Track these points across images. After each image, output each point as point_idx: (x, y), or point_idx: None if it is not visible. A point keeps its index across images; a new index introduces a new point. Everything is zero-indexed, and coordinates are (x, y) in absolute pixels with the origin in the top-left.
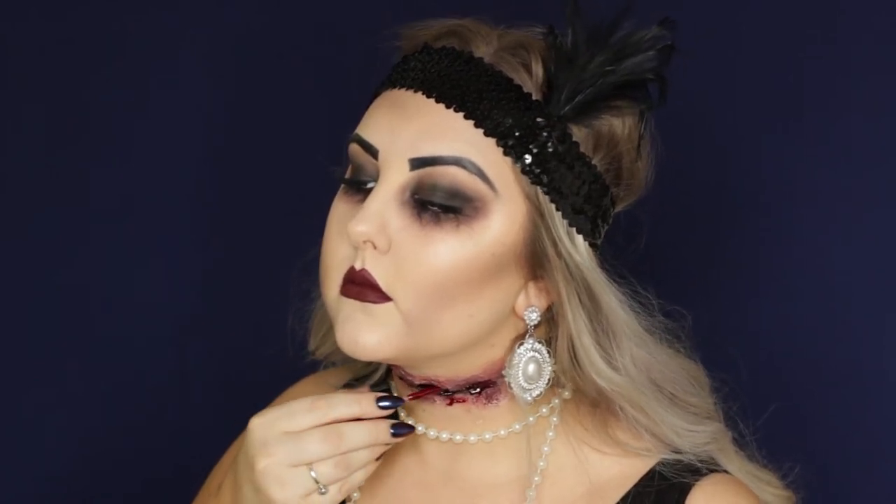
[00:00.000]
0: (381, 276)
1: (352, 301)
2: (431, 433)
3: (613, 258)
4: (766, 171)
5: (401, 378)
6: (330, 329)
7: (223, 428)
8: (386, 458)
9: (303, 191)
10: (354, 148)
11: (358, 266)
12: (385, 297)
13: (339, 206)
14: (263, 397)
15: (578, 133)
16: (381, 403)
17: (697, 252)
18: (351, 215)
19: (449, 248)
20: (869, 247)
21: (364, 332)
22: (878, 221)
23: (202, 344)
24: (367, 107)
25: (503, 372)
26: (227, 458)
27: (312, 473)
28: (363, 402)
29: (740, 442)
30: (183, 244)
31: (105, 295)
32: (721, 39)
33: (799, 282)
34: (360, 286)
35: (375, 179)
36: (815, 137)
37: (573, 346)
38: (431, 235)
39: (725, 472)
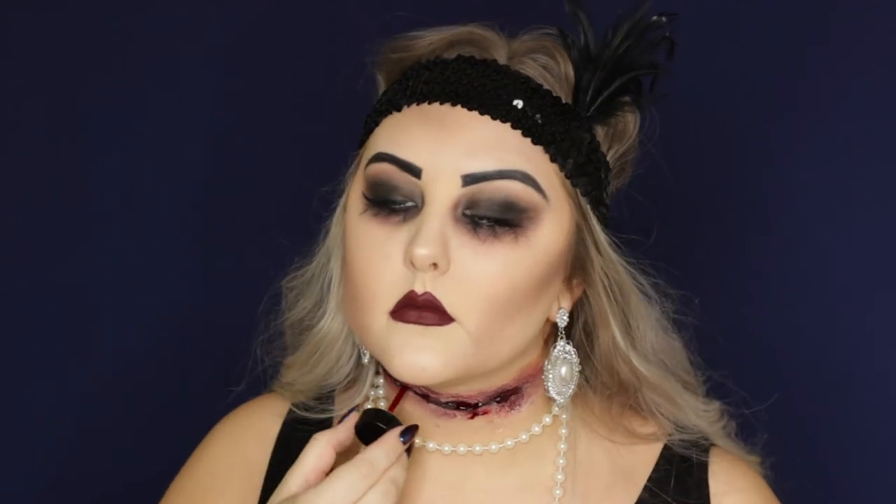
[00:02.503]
0: (444, 297)
1: (409, 326)
2: (446, 448)
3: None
4: (767, 172)
5: (425, 397)
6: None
7: None
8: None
9: (303, 191)
10: (384, 168)
11: (420, 290)
12: (448, 319)
13: (373, 229)
14: None
15: (600, 132)
16: (402, 438)
17: (698, 252)
18: (394, 238)
19: (511, 262)
20: (870, 247)
21: (427, 356)
22: (880, 222)
23: (202, 344)
24: (368, 118)
25: (543, 375)
26: (189, 469)
27: None
28: (394, 446)
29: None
30: (183, 244)
31: (105, 295)
32: (727, 39)
33: (800, 282)
34: (420, 309)
35: (413, 199)
36: (817, 137)
37: (614, 343)
38: (492, 251)
39: (714, 445)
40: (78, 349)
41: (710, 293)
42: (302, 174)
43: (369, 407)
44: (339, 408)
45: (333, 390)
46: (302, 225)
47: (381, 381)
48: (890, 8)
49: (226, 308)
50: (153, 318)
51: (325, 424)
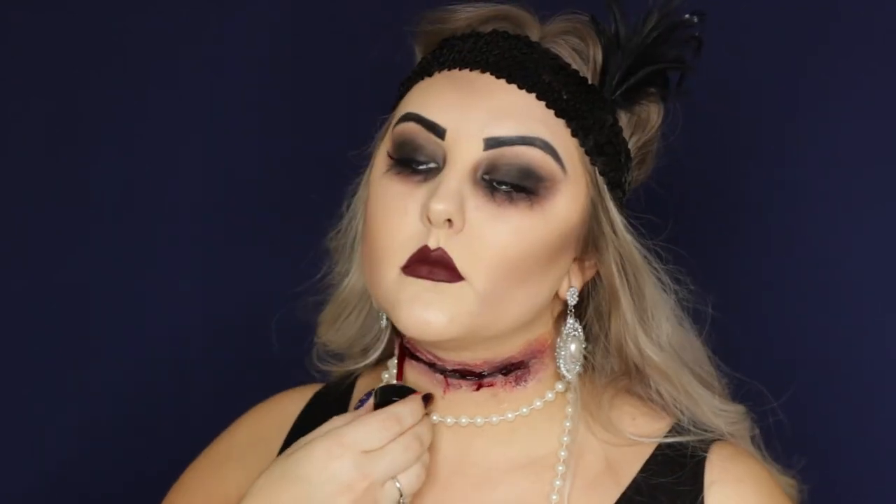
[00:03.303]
0: (456, 255)
1: (419, 280)
2: (449, 420)
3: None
4: (771, 171)
5: (432, 365)
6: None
7: (223, 428)
8: None
9: (304, 190)
10: (410, 127)
11: (433, 245)
12: (458, 277)
13: (394, 186)
14: (263, 397)
15: (623, 118)
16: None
17: (701, 252)
18: (413, 196)
19: (524, 228)
20: (874, 246)
21: (434, 312)
22: (883, 221)
23: (201, 343)
24: (401, 85)
25: (556, 352)
26: (209, 449)
27: (397, 484)
28: (418, 406)
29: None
30: (183, 244)
31: (105, 295)
32: (727, 36)
33: (804, 281)
34: (432, 265)
35: (435, 159)
36: (820, 138)
37: (625, 325)
38: (507, 215)
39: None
40: (78, 349)
41: (708, 290)
42: (302, 174)
43: (383, 385)
44: (358, 389)
45: (358, 376)
46: (302, 225)
47: (395, 360)
48: (891, 8)
49: (225, 308)
50: (153, 319)
51: (344, 403)
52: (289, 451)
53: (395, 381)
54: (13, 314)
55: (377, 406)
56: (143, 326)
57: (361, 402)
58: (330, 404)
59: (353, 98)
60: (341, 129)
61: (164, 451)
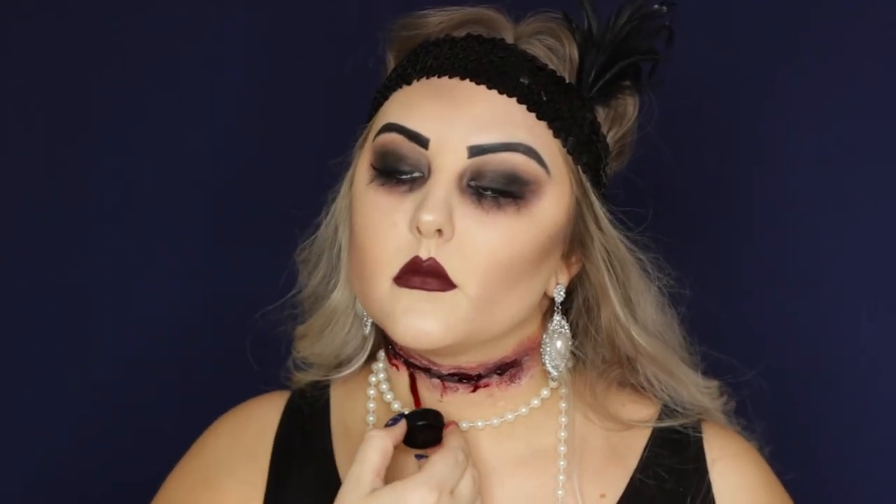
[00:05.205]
0: (448, 263)
1: (413, 291)
2: None
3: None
4: (768, 170)
5: (427, 370)
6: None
7: None
8: (397, 464)
9: (305, 190)
10: (393, 138)
11: (425, 255)
12: (451, 285)
13: (380, 199)
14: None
15: (601, 113)
16: None
17: (697, 250)
18: (400, 207)
19: (513, 232)
20: (869, 246)
21: (430, 321)
22: (879, 221)
23: (202, 344)
24: (377, 93)
25: (541, 348)
26: (189, 460)
27: None
28: (461, 433)
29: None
30: (183, 244)
31: (105, 295)
32: (721, 34)
33: (798, 281)
34: (424, 275)
35: (419, 169)
36: (817, 137)
37: (615, 317)
38: (496, 221)
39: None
40: (78, 349)
41: (701, 288)
42: (303, 174)
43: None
44: (335, 397)
45: (329, 384)
46: (302, 225)
47: (380, 364)
48: (885, 5)
49: (225, 308)
50: (153, 319)
51: (322, 412)
52: (356, 491)
53: (397, 407)
54: (13, 314)
55: (411, 426)
56: (143, 327)
57: (394, 422)
58: (306, 416)
59: (356, 98)
60: (343, 130)
61: (164, 451)
